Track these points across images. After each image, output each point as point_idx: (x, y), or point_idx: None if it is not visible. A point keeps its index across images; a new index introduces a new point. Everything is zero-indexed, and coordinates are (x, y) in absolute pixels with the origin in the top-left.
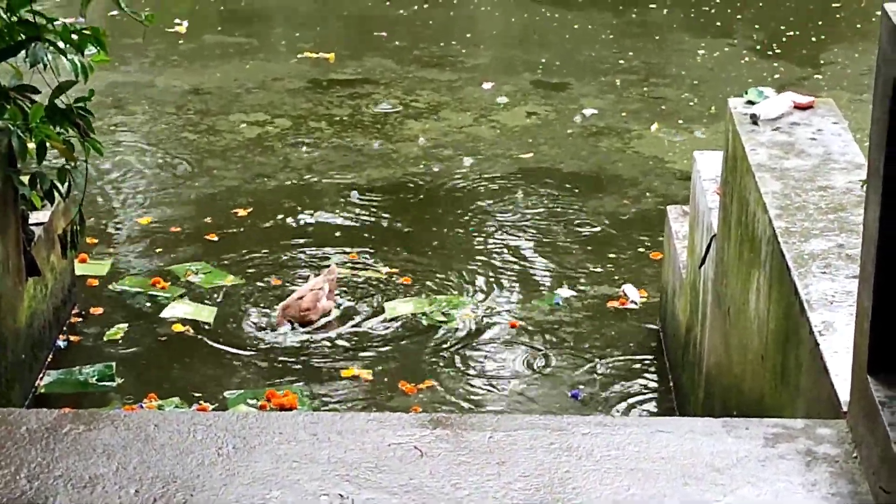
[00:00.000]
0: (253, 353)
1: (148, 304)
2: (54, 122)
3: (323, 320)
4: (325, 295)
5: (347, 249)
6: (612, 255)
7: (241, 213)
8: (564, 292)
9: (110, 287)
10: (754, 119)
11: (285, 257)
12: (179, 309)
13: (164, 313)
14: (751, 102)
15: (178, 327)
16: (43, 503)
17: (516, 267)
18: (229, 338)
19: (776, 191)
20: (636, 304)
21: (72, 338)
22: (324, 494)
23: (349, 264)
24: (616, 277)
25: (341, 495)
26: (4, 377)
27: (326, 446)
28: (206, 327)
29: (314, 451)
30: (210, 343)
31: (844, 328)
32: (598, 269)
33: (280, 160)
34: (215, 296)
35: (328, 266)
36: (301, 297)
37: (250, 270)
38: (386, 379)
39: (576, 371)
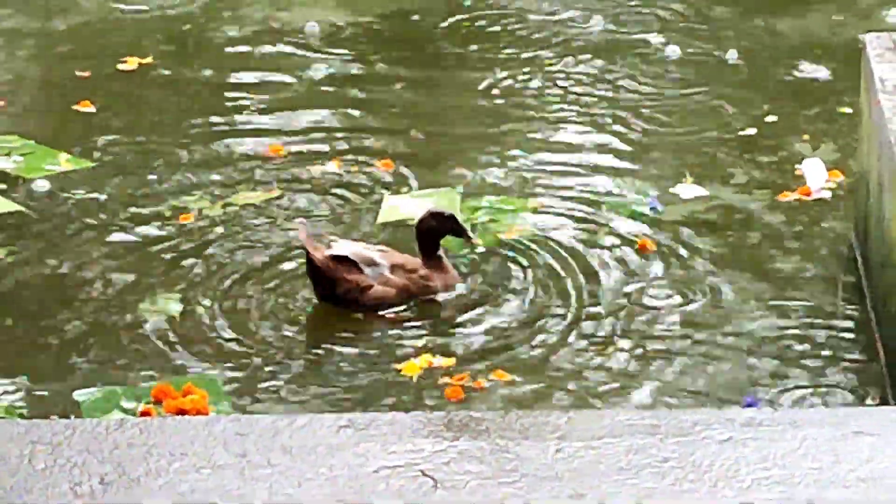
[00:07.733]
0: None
1: None
2: None
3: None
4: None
5: (325, 125)
6: (790, 112)
7: (132, 64)
8: (692, 188)
9: None
10: None
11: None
12: None
13: None
14: None
15: None
16: None
17: (625, 146)
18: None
19: None
20: (825, 192)
21: None
22: None
23: (338, 157)
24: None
25: None
26: None
27: (264, 476)
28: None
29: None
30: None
31: None
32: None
33: None
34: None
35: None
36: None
37: (130, 157)
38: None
39: (723, 324)
